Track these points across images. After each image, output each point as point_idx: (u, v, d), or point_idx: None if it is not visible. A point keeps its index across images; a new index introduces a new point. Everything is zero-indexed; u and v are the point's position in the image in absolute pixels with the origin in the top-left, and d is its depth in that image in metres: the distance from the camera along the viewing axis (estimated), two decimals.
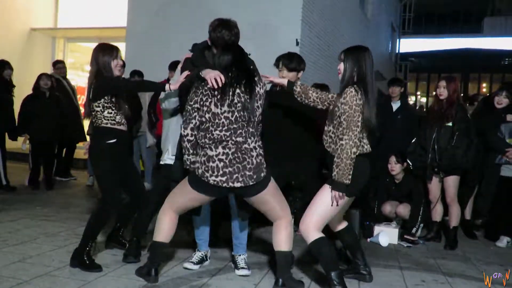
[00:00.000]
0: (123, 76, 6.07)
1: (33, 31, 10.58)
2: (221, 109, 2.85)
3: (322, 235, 2.99)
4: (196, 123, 2.89)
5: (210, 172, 2.85)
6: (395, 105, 5.42)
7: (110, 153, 3.34)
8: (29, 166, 6.54)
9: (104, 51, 3.40)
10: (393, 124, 5.24)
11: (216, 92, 2.85)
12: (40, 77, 6.46)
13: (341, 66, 3.07)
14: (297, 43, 7.80)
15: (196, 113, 2.89)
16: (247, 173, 2.86)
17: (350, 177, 2.87)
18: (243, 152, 2.87)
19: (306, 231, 2.99)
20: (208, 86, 2.86)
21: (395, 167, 4.89)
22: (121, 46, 8.08)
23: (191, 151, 2.92)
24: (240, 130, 2.88)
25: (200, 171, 2.88)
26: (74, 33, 10.77)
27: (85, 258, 3.27)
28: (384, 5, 17.01)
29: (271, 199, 3.01)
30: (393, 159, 4.90)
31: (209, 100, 2.86)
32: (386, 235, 4.54)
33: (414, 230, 4.68)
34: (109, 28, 9.69)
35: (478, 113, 5.24)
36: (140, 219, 3.62)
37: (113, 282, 3.09)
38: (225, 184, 2.85)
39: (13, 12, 10.10)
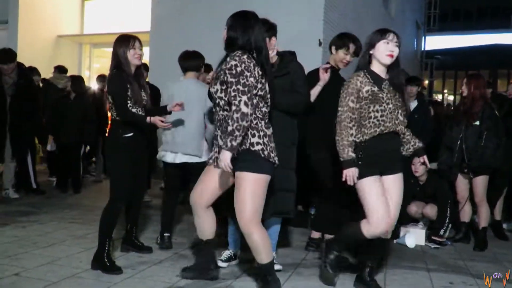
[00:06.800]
0: (147, 79, 6.18)
1: (60, 38, 10.84)
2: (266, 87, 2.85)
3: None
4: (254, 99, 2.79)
5: (274, 152, 2.82)
6: (413, 105, 5.29)
7: (126, 147, 3.33)
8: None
9: (121, 43, 3.40)
10: (410, 123, 5.11)
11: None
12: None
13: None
14: (320, 43, 7.78)
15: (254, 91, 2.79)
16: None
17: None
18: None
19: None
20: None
21: (419, 169, 4.77)
22: (145, 51, 8.23)
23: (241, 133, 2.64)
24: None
25: (266, 152, 2.74)
26: (100, 38, 10.97)
27: (106, 260, 3.29)
28: (409, 2, 16.76)
29: None
30: (417, 160, 4.80)
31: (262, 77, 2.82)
32: (412, 236, 4.47)
33: (442, 231, 4.57)
34: (133, 33, 9.82)
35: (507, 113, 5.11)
36: (166, 214, 3.95)
37: (139, 283, 3.12)
38: (277, 163, 2.84)
39: (41, 20, 10.37)
